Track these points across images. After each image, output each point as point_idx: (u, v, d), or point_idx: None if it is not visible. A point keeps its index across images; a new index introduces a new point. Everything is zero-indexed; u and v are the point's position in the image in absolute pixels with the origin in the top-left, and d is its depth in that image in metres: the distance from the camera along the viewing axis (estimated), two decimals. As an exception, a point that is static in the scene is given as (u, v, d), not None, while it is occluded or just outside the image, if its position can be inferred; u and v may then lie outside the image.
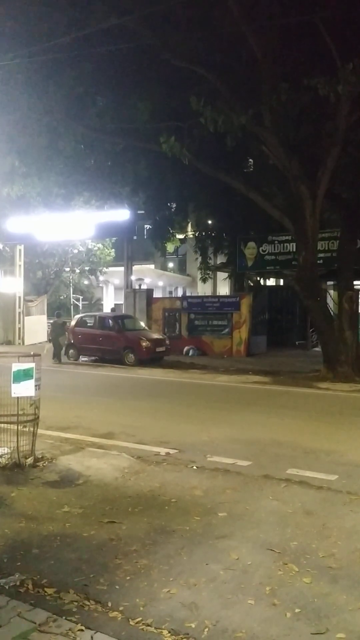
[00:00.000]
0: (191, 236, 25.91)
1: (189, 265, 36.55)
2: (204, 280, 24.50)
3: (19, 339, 23.92)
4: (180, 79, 12.93)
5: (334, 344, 14.08)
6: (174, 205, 20.85)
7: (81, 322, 19.05)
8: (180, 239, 26.19)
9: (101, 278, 33.45)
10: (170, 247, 24.36)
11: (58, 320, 18.81)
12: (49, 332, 19.27)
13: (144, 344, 17.06)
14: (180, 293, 36.42)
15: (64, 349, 18.09)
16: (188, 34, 11.66)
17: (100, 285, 36.01)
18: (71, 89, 13.10)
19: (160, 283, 36.14)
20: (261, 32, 11.45)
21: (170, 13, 11.11)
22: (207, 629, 3.03)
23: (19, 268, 24.29)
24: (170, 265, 40.43)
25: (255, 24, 11.25)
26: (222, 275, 30.15)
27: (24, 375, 5.80)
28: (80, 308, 34.65)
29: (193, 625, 3.05)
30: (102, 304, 36.45)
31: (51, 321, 20.21)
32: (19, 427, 5.92)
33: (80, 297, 36.14)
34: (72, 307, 34.64)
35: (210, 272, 24.43)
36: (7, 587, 3.41)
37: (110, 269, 31.38)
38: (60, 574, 3.61)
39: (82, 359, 18.48)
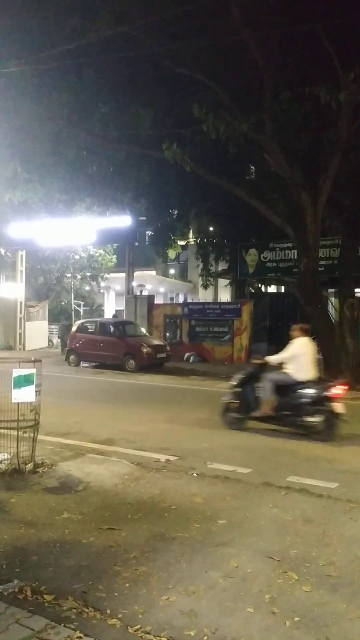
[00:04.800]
0: (192, 243, 25.93)
1: (190, 271, 36.53)
2: (205, 286, 24.50)
3: (20, 344, 23.92)
4: (182, 86, 13.01)
5: (335, 351, 14.06)
6: (176, 212, 20.89)
7: (82, 328, 19.05)
8: (181, 246, 26.21)
9: (102, 284, 33.40)
10: (171, 253, 24.42)
11: (65, 322, 25.19)
12: (58, 332, 24.87)
13: (144, 350, 17.04)
14: (181, 299, 36.33)
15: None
16: (190, 42, 11.73)
17: (102, 291, 35.95)
18: (74, 95, 13.17)
19: (162, 289, 36.12)
20: (263, 40, 11.52)
21: (172, 21, 11.18)
22: (206, 637, 3.02)
23: (20, 273, 24.31)
24: (172, 271, 40.43)
25: (257, 32, 11.31)
26: (223, 282, 30.15)
27: (25, 380, 5.80)
28: (82, 314, 34.59)
29: (192, 633, 3.04)
30: (103, 310, 36.38)
31: (59, 324, 26.20)
32: (19, 432, 5.91)
33: (82, 303, 36.08)
34: (73, 312, 34.61)
35: (212, 279, 24.44)
36: (5, 593, 3.40)
37: (112, 275, 31.36)
38: (59, 581, 3.60)
39: (83, 364, 18.48)
